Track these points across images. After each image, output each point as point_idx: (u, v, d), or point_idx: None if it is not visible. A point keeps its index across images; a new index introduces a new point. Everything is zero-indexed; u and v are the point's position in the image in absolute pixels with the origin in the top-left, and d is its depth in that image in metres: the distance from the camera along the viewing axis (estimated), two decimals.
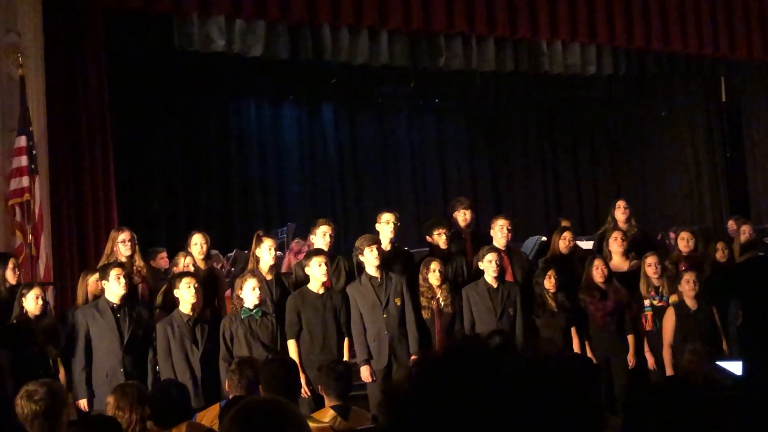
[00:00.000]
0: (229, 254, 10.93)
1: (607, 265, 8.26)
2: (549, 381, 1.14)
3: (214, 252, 10.18)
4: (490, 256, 7.88)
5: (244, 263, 9.71)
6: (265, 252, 7.72)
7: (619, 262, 8.60)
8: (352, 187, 15.05)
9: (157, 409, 4.87)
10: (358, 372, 7.35)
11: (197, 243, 8.13)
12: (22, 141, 8.67)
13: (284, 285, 7.85)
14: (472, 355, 1.19)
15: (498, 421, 1.10)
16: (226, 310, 7.99)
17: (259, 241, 7.77)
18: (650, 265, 8.30)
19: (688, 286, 8.02)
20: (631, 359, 8.15)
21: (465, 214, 8.69)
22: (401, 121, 15.63)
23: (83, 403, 6.97)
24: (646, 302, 8.29)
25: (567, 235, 8.63)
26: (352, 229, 13.47)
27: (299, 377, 6.00)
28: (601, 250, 8.77)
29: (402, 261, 8.19)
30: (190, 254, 8.05)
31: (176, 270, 7.84)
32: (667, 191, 15.57)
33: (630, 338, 8.19)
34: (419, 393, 1.18)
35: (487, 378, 1.13)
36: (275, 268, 7.96)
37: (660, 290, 8.25)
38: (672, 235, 10.18)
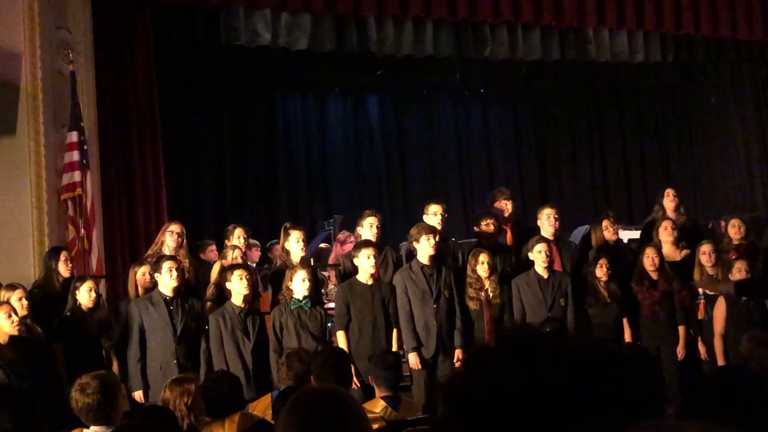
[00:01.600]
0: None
1: (659, 254, 8.16)
2: (604, 366, 1.14)
3: (254, 242, 10.25)
4: (540, 247, 7.83)
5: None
6: (294, 244, 7.75)
7: (670, 251, 8.49)
8: (398, 178, 15.04)
9: (210, 400, 4.92)
10: (407, 362, 7.36)
11: (239, 236, 8.20)
12: (74, 136, 8.78)
13: (317, 276, 7.85)
14: (526, 343, 1.19)
15: (555, 407, 1.10)
16: (258, 303, 8.02)
17: (287, 234, 7.80)
18: (705, 253, 8.20)
19: (739, 275, 7.90)
20: (680, 351, 8.04)
21: (507, 204, 8.65)
22: (447, 111, 15.58)
23: (139, 395, 7.05)
24: (700, 291, 8.19)
25: (607, 223, 8.54)
26: (398, 221, 13.49)
27: (350, 367, 6.02)
28: (649, 239, 8.66)
29: (450, 252, 8.17)
30: (239, 247, 8.11)
31: (225, 263, 7.90)
32: (717, 179, 15.35)
33: (681, 329, 8.09)
34: (476, 383, 1.18)
35: (542, 365, 1.13)
36: (311, 259, 7.97)
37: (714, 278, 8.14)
38: (722, 223, 10.02)
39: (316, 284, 7.79)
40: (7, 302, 6.65)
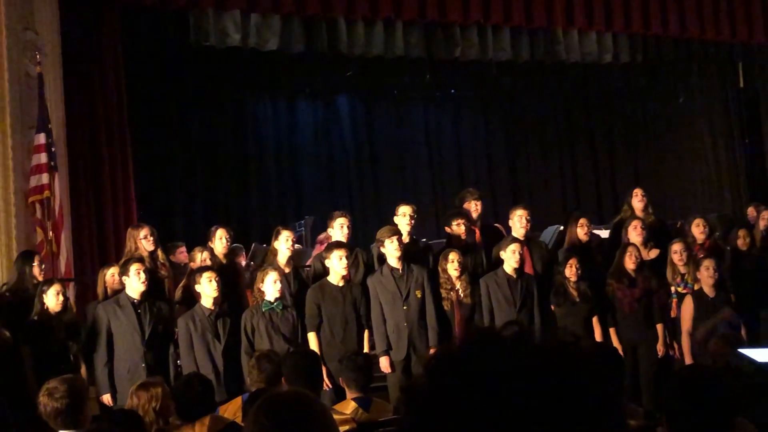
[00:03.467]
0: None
1: (640, 254, 8.22)
2: (566, 371, 1.14)
3: (236, 246, 10.22)
4: (514, 247, 7.85)
5: (263, 257, 9.73)
6: (283, 244, 7.76)
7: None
8: (369, 179, 15.04)
9: (181, 403, 4.89)
10: (378, 363, 7.36)
11: (221, 237, 8.15)
12: (41, 138, 8.71)
13: (302, 278, 7.87)
14: (487, 347, 1.19)
15: (515, 414, 1.10)
16: (247, 303, 8.01)
17: (277, 234, 7.81)
18: (676, 252, 8.27)
19: (707, 273, 7.97)
20: (660, 348, 8.10)
21: (476, 204, 8.67)
22: (417, 112, 15.61)
23: (107, 398, 7.01)
24: (672, 289, 8.26)
25: (583, 221, 8.59)
26: (369, 222, 13.49)
27: (321, 369, 6.01)
28: (617, 239, 8.72)
29: (421, 253, 8.19)
30: (209, 248, 8.08)
31: (194, 265, 7.86)
32: (685, 178, 15.49)
33: (659, 327, 8.15)
34: (437, 387, 1.18)
35: (502, 370, 1.13)
36: (293, 260, 7.97)
37: (685, 277, 8.21)
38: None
39: (301, 283, 7.76)
40: None
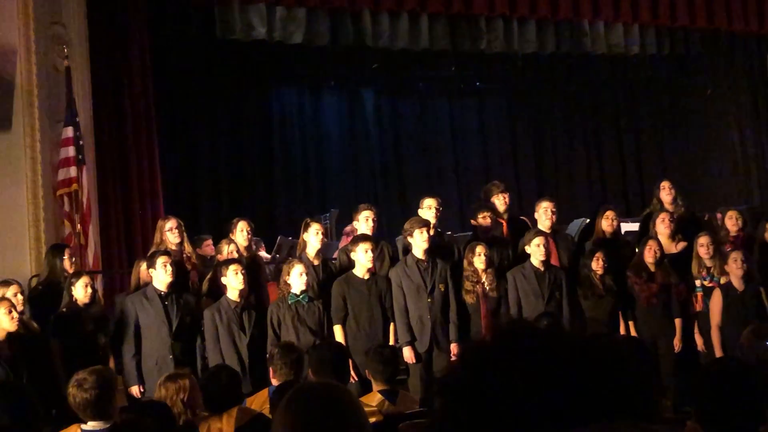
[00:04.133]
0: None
1: (660, 246, 8.17)
2: (601, 359, 1.14)
3: (256, 238, 10.26)
4: (538, 240, 7.83)
5: (288, 249, 9.77)
6: (312, 236, 7.76)
7: (666, 243, 8.49)
8: (393, 172, 15.02)
9: (208, 394, 4.91)
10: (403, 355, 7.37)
11: (243, 230, 8.17)
12: (69, 132, 8.78)
13: (331, 270, 7.88)
14: (522, 338, 1.19)
15: (552, 401, 1.10)
16: (267, 296, 8.03)
17: (307, 227, 7.82)
18: (702, 245, 8.20)
19: (735, 265, 7.92)
20: (677, 343, 8.05)
21: (503, 197, 8.64)
22: (442, 104, 15.57)
23: (135, 390, 7.05)
24: (697, 283, 8.20)
25: (610, 214, 8.54)
26: (393, 215, 13.48)
27: (348, 361, 6.01)
28: (647, 232, 8.66)
29: (446, 245, 8.17)
30: (234, 241, 8.10)
31: (220, 257, 7.89)
32: (713, 170, 15.36)
33: (677, 322, 8.10)
34: (471, 378, 1.18)
35: (539, 360, 1.13)
36: (322, 253, 7.97)
37: (711, 271, 8.15)
38: (718, 215, 10.03)
39: (331, 275, 7.79)
40: (7, 299, 6.65)
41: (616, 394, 1.10)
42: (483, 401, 1.13)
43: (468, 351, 1.22)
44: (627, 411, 1.10)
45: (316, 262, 7.75)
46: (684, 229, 8.67)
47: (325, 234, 11.40)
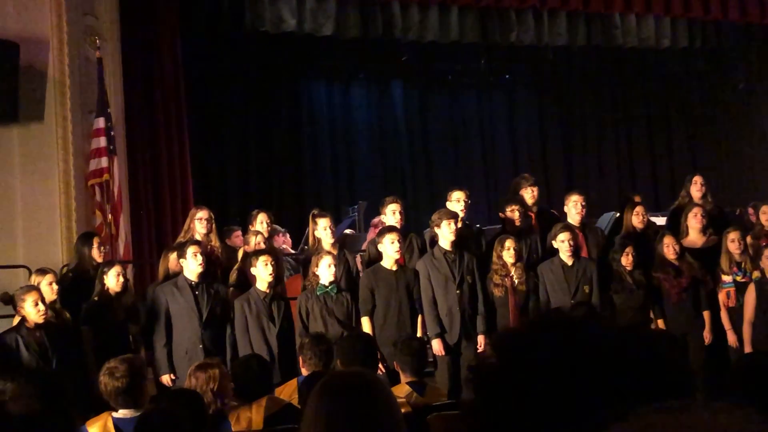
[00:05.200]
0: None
1: (678, 241, 8.12)
2: (641, 348, 1.13)
3: (282, 229, 10.29)
4: (563, 236, 7.79)
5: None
6: (322, 232, 7.75)
7: (695, 238, 8.43)
8: (422, 164, 15.01)
9: (240, 383, 4.95)
10: (432, 348, 7.36)
11: (262, 221, 8.21)
12: (101, 122, 8.85)
13: (348, 262, 7.86)
14: (558, 326, 1.19)
15: (591, 391, 1.10)
16: (284, 288, 8.03)
17: (315, 222, 7.81)
18: (733, 240, 8.12)
19: None
20: (707, 336, 8.01)
21: (532, 190, 8.61)
22: (471, 97, 15.53)
23: (166, 379, 7.08)
24: (728, 278, 8.12)
25: (639, 209, 8.49)
26: (422, 207, 13.48)
27: (376, 352, 6.02)
28: (675, 226, 8.61)
29: (474, 238, 8.16)
30: (260, 232, 8.13)
31: (248, 249, 7.92)
32: (745, 165, 15.23)
33: (706, 314, 8.05)
34: (507, 365, 1.18)
35: (577, 348, 1.13)
36: (338, 245, 7.96)
37: (743, 266, 8.09)
38: (750, 210, 9.94)
39: (348, 269, 7.80)
40: (37, 289, 6.70)
41: (654, 383, 1.09)
42: (516, 390, 1.13)
43: (501, 339, 1.22)
44: (671, 396, 1.09)
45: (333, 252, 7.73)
46: (712, 225, 8.60)
47: (351, 226, 11.51)
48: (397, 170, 14.83)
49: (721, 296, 8.14)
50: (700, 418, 0.94)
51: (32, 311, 6.46)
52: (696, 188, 8.87)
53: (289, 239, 10.35)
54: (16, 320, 6.71)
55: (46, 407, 3.63)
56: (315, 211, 8.01)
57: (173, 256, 7.63)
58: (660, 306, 8.04)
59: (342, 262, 7.80)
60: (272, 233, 8.99)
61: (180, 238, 8.01)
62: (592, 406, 1.06)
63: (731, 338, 8.03)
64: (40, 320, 6.49)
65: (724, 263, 8.14)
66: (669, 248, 8.02)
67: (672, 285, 7.99)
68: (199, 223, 7.88)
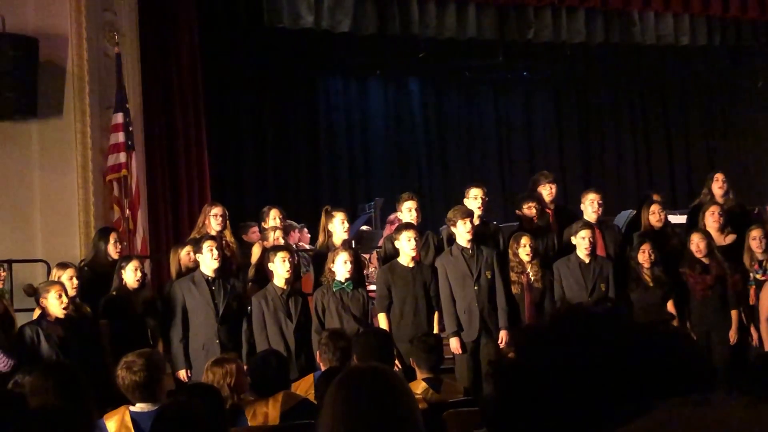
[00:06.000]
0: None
1: (706, 238, 8.07)
2: (663, 343, 1.13)
3: (300, 225, 10.31)
4: (584, 233, 7.77)
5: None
6: (338, 226, 7.74)
7: (714, 236, 8.38)
8: (438, 161, 15.00)
9: (258, 378, 4.96)
10: (448, 345, 7.35)
11: (275, 218, 8.22)
12: (119, 118, 8.89)
13: (359, 258, 7.86)
14: (581, 321, 1.19)
15: (613, 385, 1.09)
16: (299, 284, 8.03)
17: (330, 216, 7.80)
18: (755, 238, 8.07)
19: None
20: (733, 335, 7.95)
21: (550, 188, 8.59)
22: (488, 94, 15.51)
23: (183, 374, 7.11)
24: (751, 276, 8.09)
25: (655, 208, 8.45)
26: (438, 204, 13.48)
27: (393, 348, 6.02)
28: (695, 224, 8.56)
29: (491, 235, 8.15)
30: (280, 228, 8.14)
31: (266, 244, 7.93)
32: (764, 164, 15.14)
33: (733, 313, 8.00)
34: (531, 362, 1.17)
35: (596, 345, 1.13)
36: (350, 241, 7.96)
37: (764, 264, 8.04)
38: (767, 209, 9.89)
39: (359, 266, 7.79)
40: (60, 282, 6.75)
41: (676, 378, 1.09)
42: (539, 384, 1.12)
43: (523, 334, 1.22)
44: (694, 391, 1.09)
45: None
46: (733, 222, 8.55)
47: (367, 223, 11.51)
48: (413, 167, 14.82)
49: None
50: (724, 412, 0.94)
51: (55, 303, 6.51)
52: (717, 185, 8.81)
53: (306, 235, 10.37)
54: (36, 314, 6.76)
55: (65, 401, 3.66)
56: (328, 207, 8.00)
57: (184, 251, 7.65)
58: (685, 303, 7.99)
59: (354, 257, 7.79)
60: (287, 229, 9.00)
61: (194, 234, 8.03)
62: (614, 400, 1.06)
63: (754, 336, 7.97)
64: (62, 314, 6.53)
65: (746, 261, 8.10)
66: (698, 244, 7.97)
67: (697, 282, 7.95)
68: (214, 219, 7.90)
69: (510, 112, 15.55)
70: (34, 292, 6.75)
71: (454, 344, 7.41)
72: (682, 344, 1.13)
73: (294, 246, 8.86)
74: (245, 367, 6.80)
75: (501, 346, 7.35)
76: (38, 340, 6.44)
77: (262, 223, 8.27)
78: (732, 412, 0.94)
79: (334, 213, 7.80)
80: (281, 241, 7.93)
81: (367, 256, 9.42)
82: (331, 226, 7.78)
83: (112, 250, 7.68)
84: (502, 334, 7.47)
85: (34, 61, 8.55)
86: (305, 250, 9.16)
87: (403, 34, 11.07)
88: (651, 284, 7.84)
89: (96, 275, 7.54)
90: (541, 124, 15.62)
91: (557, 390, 1.11)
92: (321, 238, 7.90)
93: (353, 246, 8.01)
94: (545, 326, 1.21)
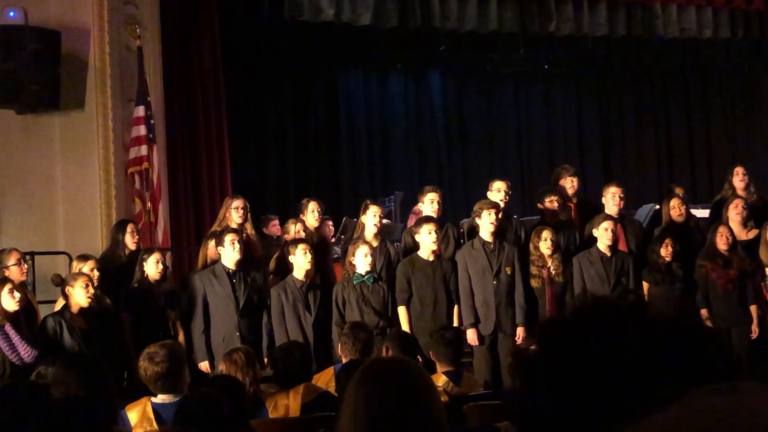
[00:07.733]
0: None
1: (732, 232, 8.02)
2: (690, 337, 1.13)
3: (325, 217, 10.30)
4: (606, 224, 7.74)
5: (353, 231, 9.79)
6: (370, 219, 7.76)
7: (737, 230, 8.32)
8: (458, 154, 14.97)
9: (281, 370, 4.97)
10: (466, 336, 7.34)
11: (313, 210, 8.22)
12: (141, 111, 8.93)
13: (389, 252, 7.87)
14: (604, 314, 1.18)
15: (639, 376, 1.09)
16: (334, 277, 8.07)
17: (365, 209, 7.83)
18: None
19: None
20: (755, 330, 7.90)
21: (572, 181, 8.55)
22: (509, 87, 15.45)
23: (204, 366, 7.13)
24: (766, 271, 8.04)
25: (675, 202, 8.38)
26: (458, 197, 13.46)
27: (417, 345, 6.01)
28: (718, 218, 8.50)
29: (513, 229, 8.12)
30: (302, 221, 8.15)
31: (287, 237, 7.95)
32: None
33: (753, 308, 7.95)
34: (557, 354, 1.17)
35: (620, 337, 1.12)
36: (380, 235, 7.96)
37: None
38: None
39: (389, 259, 7.80)
40: (85, 274, 6.78)
41: (701, 369, 1.08)
42: (565, 376, 1.12)
43: (548, 326, 1.21)
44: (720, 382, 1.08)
45: (374, 244, 7.74)
46: (756, 216, 8.48)
47: (388, 216, 11.50)
48: (433, 160, 14.80)
49: (764, 289, 8.04)
50: (757, 399, 0.94)
51: (81, 293, 6.52)
52: (738, 179, 8.74)
53: (331, 227, 10.37)
54: (58, 305, 6.80)
55: (87, 392, 3.67)
56: (368, 201, 8.03)
57: (212, 243, 7.67)
58: (706, 297, 7.94)
59: (383, 252, 7.79)
60: (323, 221, 9.00)
61: (215, 227, 8.05)
62: (642, 389, 1.06)
63: None
64: (86, 303, 6.56)
65: (763, 255, 8.04)
66: (722, 238, 7.90)
67: (719, 276, 7.89)
68: (235, 212, 7.91)
69: (530, 106, 15.49)
70: (62, 282, 6.79)
71: (471, 336, 7.39)
72: (707, 336, 1.12)
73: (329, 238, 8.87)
74: (265, 360, 6.86)
75: (518, 342, 7.33)
76: (61, 331, 6.47)
77: (301, 215, 8.25)
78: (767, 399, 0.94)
79: (369, 206, 7.83)
80: (302, 234, 7.94)
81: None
82: (364, 218, 7.80)
83: (129, 240, 7.69)
84: (519, 331, 7.45)
85: (57, 55, 8.59)
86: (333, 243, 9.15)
87: (424, 27, 11.05)
88: (671, 278, 7.80)
89: (112, 267, 7.57)
90: (562, 117, 15.55)
91: (584, 379, 1.10)
92: (357, 232, 7.92)
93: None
94: (570, 317, 1.20)
